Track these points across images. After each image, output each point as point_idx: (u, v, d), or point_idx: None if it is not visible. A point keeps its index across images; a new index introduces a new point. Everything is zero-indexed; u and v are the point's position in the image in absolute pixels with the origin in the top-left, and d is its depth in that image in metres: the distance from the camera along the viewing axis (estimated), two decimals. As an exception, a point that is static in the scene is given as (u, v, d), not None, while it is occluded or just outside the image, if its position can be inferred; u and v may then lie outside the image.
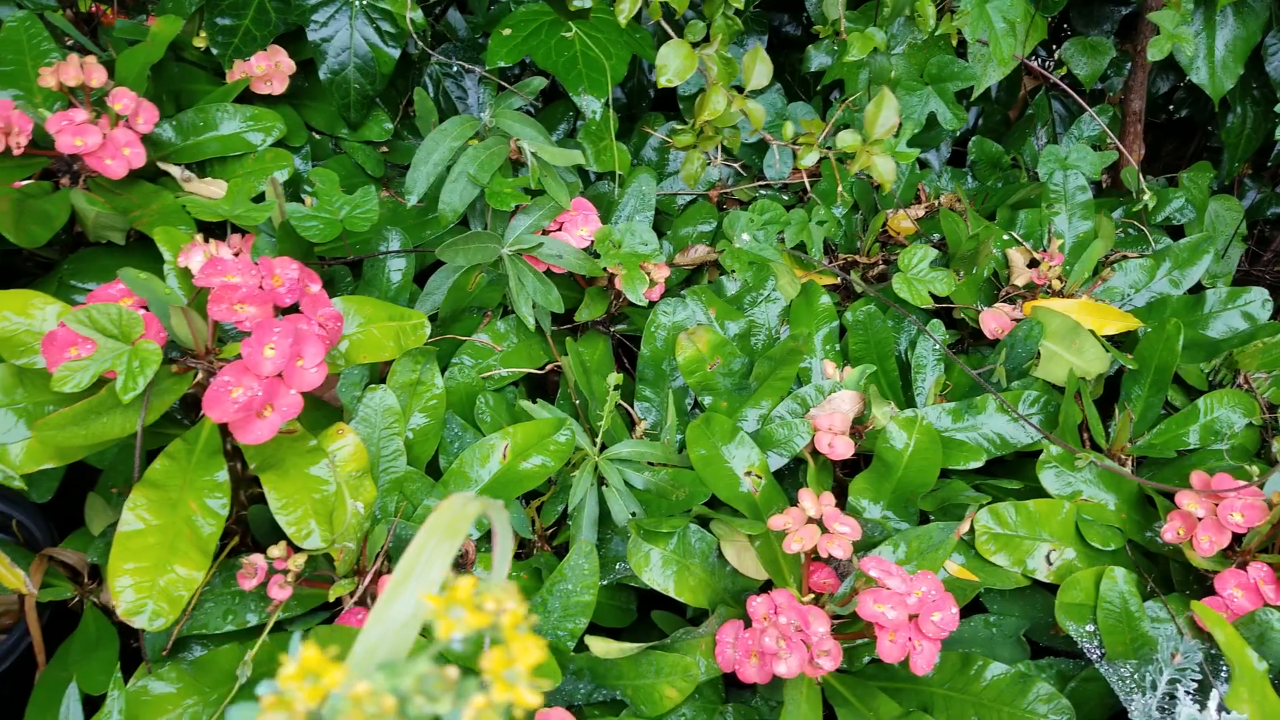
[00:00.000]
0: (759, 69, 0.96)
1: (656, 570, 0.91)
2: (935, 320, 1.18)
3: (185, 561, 0.77)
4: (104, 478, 1.02)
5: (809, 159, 0.97)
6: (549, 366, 1.13)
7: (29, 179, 1.07)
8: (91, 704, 0.86)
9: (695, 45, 0.97)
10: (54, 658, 0.96)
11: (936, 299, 1.19)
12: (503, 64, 1.22)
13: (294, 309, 0.87)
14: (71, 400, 0.80)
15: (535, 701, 0.28)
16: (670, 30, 0.98)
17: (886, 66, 1.14)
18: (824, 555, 0.89)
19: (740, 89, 1.02)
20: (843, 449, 1.03)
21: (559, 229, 1.14)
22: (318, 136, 1.26)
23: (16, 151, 1.04)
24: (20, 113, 1.05)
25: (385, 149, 1.30)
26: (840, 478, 1.11)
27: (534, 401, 1.03)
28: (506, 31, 1.25)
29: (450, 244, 1.01)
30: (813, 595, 0.94)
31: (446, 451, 0.99)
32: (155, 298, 0.81)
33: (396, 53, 1.22)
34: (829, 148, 0.98)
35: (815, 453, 1.05)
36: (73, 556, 1.00)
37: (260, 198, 1.09)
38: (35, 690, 0.93)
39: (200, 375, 0.84)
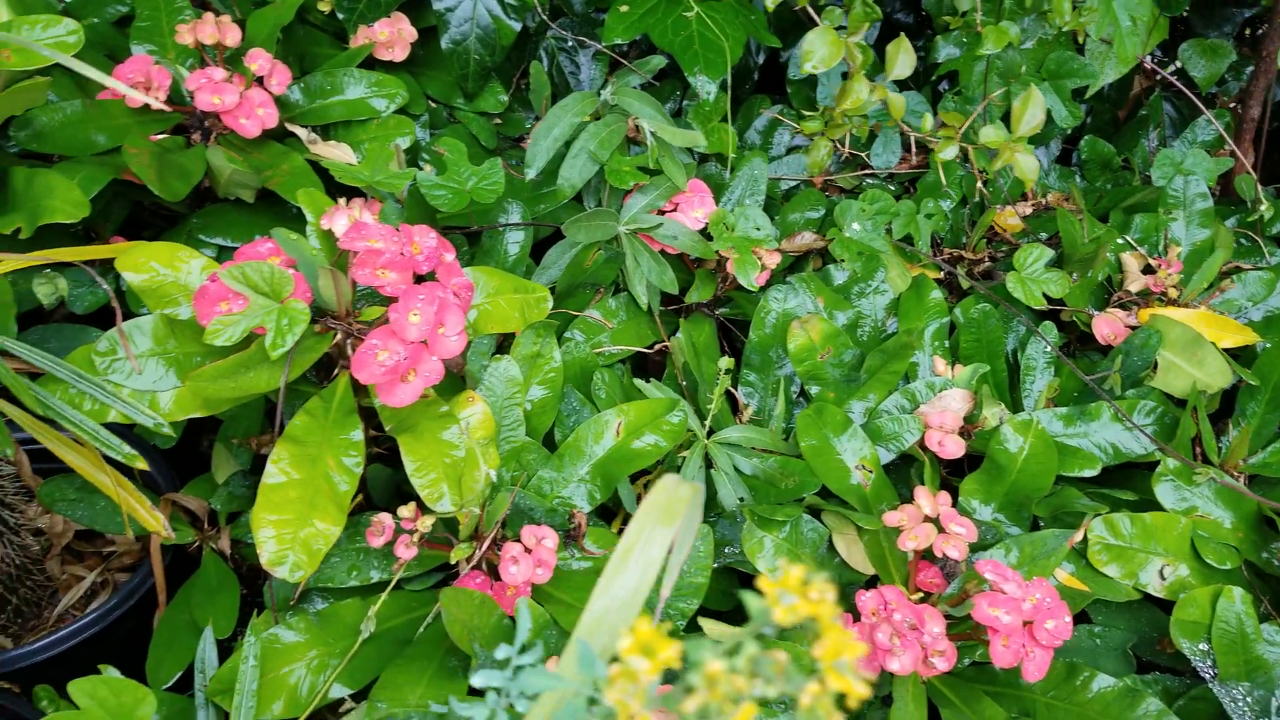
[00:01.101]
0: (902, 59, 0.95)
1: (768, 557, 0.92)
2: (1046, 322, 1.17)
3: (323, 516, 0.79)
4: (224, 428, 1.05)
5: (948, 152, 0.96)
6: (657, 346, 1.13)
7: (163, 134, 1.10)
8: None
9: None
10: (174, 600, 0.99)
11: (1048, 300, 1.17)
12: (618, 40, 1.21)
13: (429, 276, 0.88)
14: (219, 353, 0.82)
15: (867, 693, 0.28)
16: (815, 15, 0.97)
17: (1016, 61, 1.12)
18: (939, 555, 0.89)
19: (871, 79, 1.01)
20: (953, 448, 1.02)
21: (674, 209, 1.14)
22: (434, 105, 1.27)
23: (155, 106, 1.06)
24: (160, 68, 1.07)
25: (499, 120, 1.31)
26: (944, 477, 1.10)
27: (647, 380, 1.03)
28: (624, 8, 1.24)
29: (574, 220, 1.02)
30: (920, 594, 0.93)
31: (562, 425, 1.00)
32: (304, 258, 0.83)
33: (518, 25, 1.22)
34: (970, 142, 0.97)
35: (923, 449, 1.05)
36: (194, 502, 1.03)
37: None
38: (158, 630, 0.96)
39: (339, 336, 0.86)
